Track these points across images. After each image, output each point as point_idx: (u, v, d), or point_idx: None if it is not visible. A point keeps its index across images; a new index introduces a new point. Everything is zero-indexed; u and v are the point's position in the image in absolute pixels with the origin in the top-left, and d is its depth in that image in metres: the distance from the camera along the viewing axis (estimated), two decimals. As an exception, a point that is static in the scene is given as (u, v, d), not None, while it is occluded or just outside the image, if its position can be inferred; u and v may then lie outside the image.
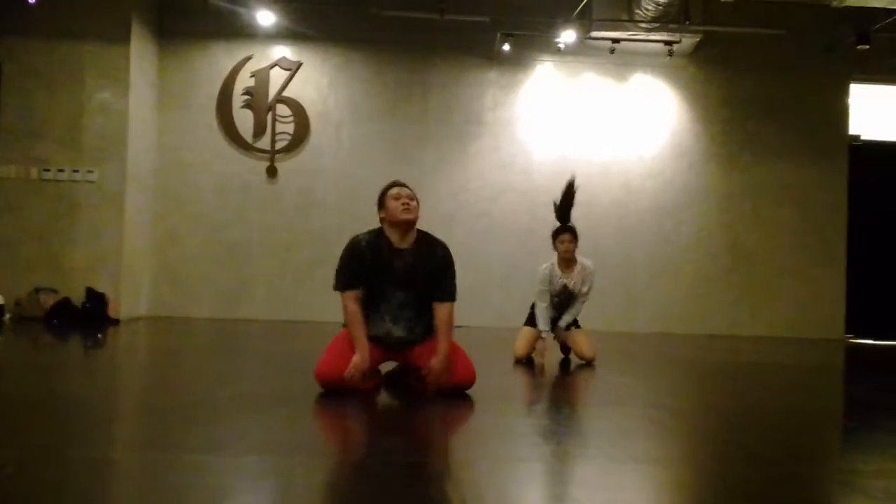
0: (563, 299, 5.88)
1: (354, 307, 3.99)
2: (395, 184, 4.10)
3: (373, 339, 4.02)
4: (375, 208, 4.15)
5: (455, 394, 3.97)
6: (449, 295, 4.09)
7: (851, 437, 3.70)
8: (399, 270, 4.01)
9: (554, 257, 5.89)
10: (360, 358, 3.91)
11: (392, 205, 4.00)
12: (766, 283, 9.61)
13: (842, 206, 9.68)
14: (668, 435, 3.44)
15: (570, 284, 5.85)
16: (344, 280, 4.04)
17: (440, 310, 4.06)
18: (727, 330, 9.50)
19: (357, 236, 4.10)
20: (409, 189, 4.08)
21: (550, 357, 5.96)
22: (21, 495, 2.16)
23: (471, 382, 4.04)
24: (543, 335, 5.80)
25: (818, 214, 9.67)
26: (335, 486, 2.46)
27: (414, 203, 4.01)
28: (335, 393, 3.87)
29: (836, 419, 4.27)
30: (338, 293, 4.05)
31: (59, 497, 2.17)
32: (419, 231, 4.11)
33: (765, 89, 9.64)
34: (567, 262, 5.85)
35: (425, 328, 4.10)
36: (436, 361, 3.95)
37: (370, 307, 4.05)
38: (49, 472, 2.39)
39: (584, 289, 5.92)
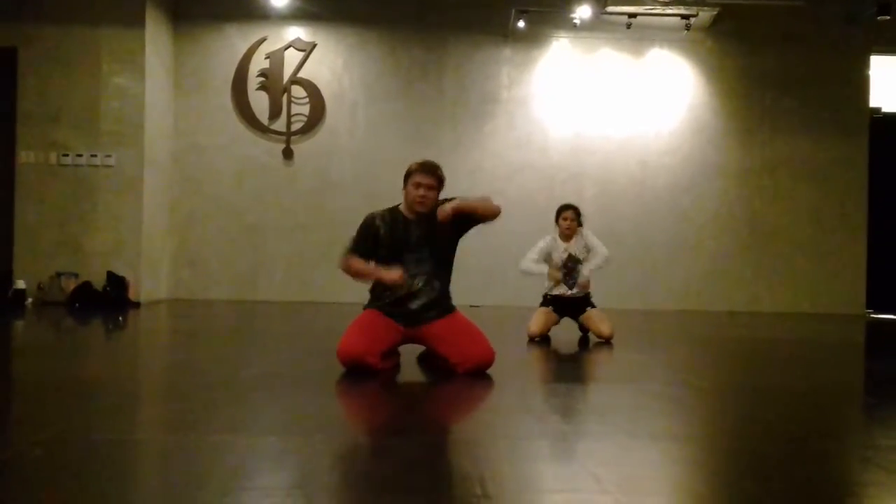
0: (571, 266, 5.97)
1: (352, 258, 4.11)
2: (422, 169, 4.10)
3: (391, 309, 4.06)
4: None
5: (475, 374, 3.98)
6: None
7: (872, 412, 3.68)
8: (414, 239, 4.10)
9: (556, 232, 6.07)
10: (379, 272, 4.00)
11: (411, 191, 4.09)
12: (785, 259, 9.54)
13: (862, 181, 9.57)
14: (687, 412, 3.43)
15: (574, 252, 5.99)
16: (355, 249, 4.14)
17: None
18: (746, 306, 9.45)
19: (372, 213, 4.21)
20: (433, 177, 4.08)
21: (569, 335, 5.98)
22: (47, 477, 2.19)
23: (490, 362, 4.06)
24: (545, 270, 5.91)
25: (838, 189, 9.57)
26: (355, 466, 2.48)
27: (431, 194, 4.07)
28: (354, 373, 3.89)
29: (856, 395, 4.25)
30: (342, 260, 4.15)
31: (85, 478, 2.21)
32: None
33: (784, 62, 9.52)
34: (568, 237, 6.02)
35: (442, 293, 4.13)
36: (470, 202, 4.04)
37: None
38: (74, 454, 2.42)
39: (599, 248, 5.99)
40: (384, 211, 4.20)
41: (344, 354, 3.92)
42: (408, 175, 4.12)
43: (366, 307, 4.16)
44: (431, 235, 4.11)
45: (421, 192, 4.06)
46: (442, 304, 4.15)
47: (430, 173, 4.09)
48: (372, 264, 4.07)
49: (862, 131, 9.58)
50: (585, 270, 5.97)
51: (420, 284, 4.08)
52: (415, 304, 4.08)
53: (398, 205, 4.20)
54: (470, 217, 4.10)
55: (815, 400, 3.87)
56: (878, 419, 3.50)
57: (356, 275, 4.15)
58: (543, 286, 6.04)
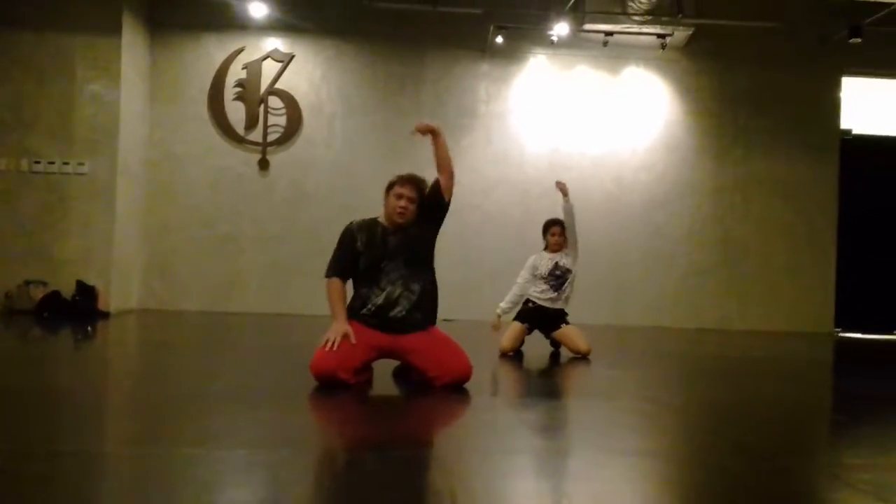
0: (560, 275, 6.02)
1: (339, 286, 4.11)
2: (403, 180, 4.13)
3: (369, 316, 4.05)
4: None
5: (452, 387, 3.97)
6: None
7: (840, 430, 3.72)
8: (393, 247, 4.11)
9: (542, 247, 6.17)
10: (339, 326, 3.99)
11: (391, 202, 4.12)
12: (756, 277, 9.64)
13: (832, 200, 9.72)
14: (658, 428, 3.45)
15: (561, 262, 6.06)
16: (337, 267, 4.16)
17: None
18: (717, 324, 9.53)
19: (351, 222, 4.23)
20: (415, 189, 4.11)
21: (541, 350, 6.01)
22: (12, 490, 2.16)
23: (467, 376, 4.06)
24: (498, 311, 6.04)
25: (809, 208, 9.70)
26: (326, 480, 2.46)
27: (412, 206, 4.10)
28: (327, 387, 3.87)
29: (825, 413, 4.29)
30: (326, 280, 4.15)
31: (50, 491, 2.17)
32: None
33: (757, 82, 9.66)
34: (555, 251, 6.11)
35: (423, 295, 4.12)
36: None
37: (368, 284, 4.10)
38: (40, 466, 2.38)
39: (573, 262, 6.12)
40: (362, 221, 4.21)
41: (316, 369, 3.90)
42: (390, 186, 4.15)
43: (349, 318, 4.12)
44: (407, 244, 4.12)
45: (402, 203, 4.08)
46: (424, 307, 4.14)
47: (412, 185, 4.12)
48: (340, 321, 4.01)
49: (833, 152, 9.73)
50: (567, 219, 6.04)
51: (399, 290, 4.07)
52: (396, 312, 4.06)
53: (377, 217, 4.23)
54: (435, 191, 4.17)
55: (784, 417, 3.91)
56: (846, 437, 3.54)
57: (330, 307, 4.11)
58: (529, 291, 6.08)
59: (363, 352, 4.01)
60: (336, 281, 4.13)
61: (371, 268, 4.09)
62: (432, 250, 4.26)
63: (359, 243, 4.12)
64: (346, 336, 3.94)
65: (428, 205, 4.18)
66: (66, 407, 3.42)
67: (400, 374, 4.36)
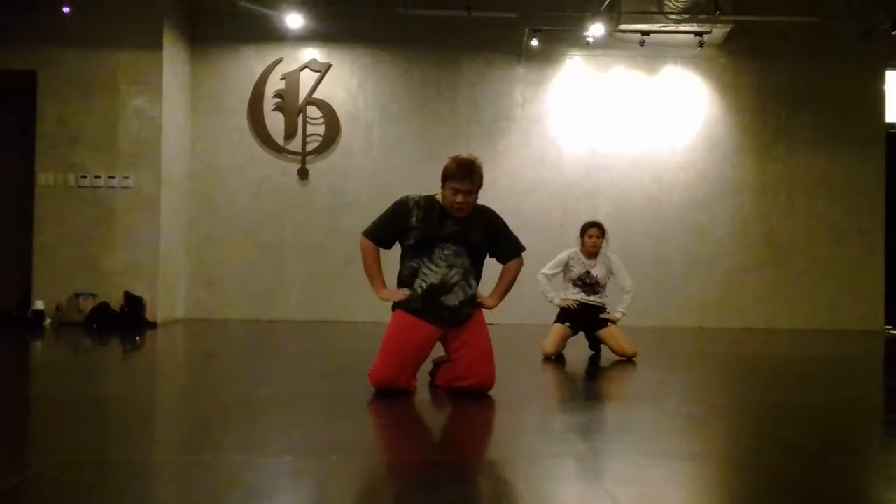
0: (588, 283, 5.97)
1: (375, 249, 4.09)
2: (460, 175, 3.95)
3: (425, 310, 3.95)
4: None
5: (473, 393, 3.94)
6: (514, 251, 4.18)
7: (892, 429, 3.64)
8: (450, 232, 4.00)
9: (578, 247, 6.09)
10: (385, 291, 4.03)
11: (448, 196, 3.98)
12: (802, 275, 9.47)
13: (879, 196, 9.51)
14: (704, 430, 3.41)
15: (594, 272, 5.98)
16: (377, 233, 4.10)
17: (509, 266, 4.21)
18: (764, 323, 9.38)
19: (407, 196, 4.10)
20: (470, 183, 3.97)
21: (585, 353, 5.97)
22: (64, 499, 2.21)
23: (489, 388, 4.00)
24: (556, 301, 5.96)
25: (855, 204, 9.50)
26: (372, 486, 2.48)
27: (470, 199, 3.97)
28: (371, 392, 3.88)
29: (876, 411, 4.20)
30: (362, 238, 4.12)
31: (101, 499, 2.22)
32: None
33: (798, 78, 9.50)
34: (592, 254, 6.02)
35: (475, 295, 4.06)
36: (490, 296, 4.14)
37: (420, 257, 4.00)
38: (91, 474, 2.44)
39: (625, 283, 6.06)
40: (420, 197, 4.07)
41: (377, 379, 3.90)
42: (445, 177, 3.99)
43: (395, 307, 4.05)
44: (466, 235, 4.01)
45: (459, 198, 3.94)
46: (474, 305, 4.08)
47: (468, 179, 3.95)
48: (382, 287, 4.04)
49: (878, 146, 9.53)
50: (617, 314, 5.99)
51: (457, 278, 3.97)
52: (451, 300, 3.96)
53: (436, 195, 4.09)
54: (498, 237, 4.13)
55: (835, 417, 3.83)
56: (898, 437, 3.47)
57: (366, 269, 4.09)
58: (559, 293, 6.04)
59: (422, 351, 3.98)
60: (371, 244, 4.08)
61: (422, 247, 3.98)
62: (484, 260, 4.18)
63: (414, 219, 3.99)
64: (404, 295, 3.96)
65: (489, 241, 4.11)
66: (115, 416, 3.49)
67: (433, 381, 4.32)
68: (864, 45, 9.18)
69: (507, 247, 4.18)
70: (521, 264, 4.22)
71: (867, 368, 6.24)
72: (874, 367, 6.45)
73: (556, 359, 5.77)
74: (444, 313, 3.98)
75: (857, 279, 9.45)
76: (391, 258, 4.19)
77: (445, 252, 3.98)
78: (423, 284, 3.97)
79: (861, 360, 6.73)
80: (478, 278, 4.12)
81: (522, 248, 4.22)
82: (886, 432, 3.62)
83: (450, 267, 3.97)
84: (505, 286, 4.20)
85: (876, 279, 9.46)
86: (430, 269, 3.97)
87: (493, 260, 4.24)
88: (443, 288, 3.96)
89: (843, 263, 9.45)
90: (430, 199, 4.06)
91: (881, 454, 3.16)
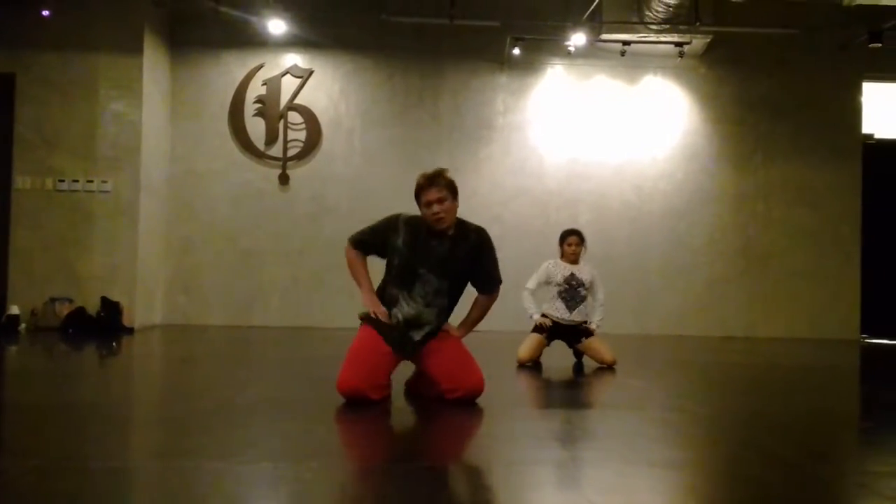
0: (572, 287, 5.95)
1: (360, 256, 4.08)
2: (428, 184, 3.90)
3: (391, 335, 3.93)
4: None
5: (465, 401, 3.93)
6: (491, 285, 4.14)
7: (868, 438, 3.68)
8: (436, 253, 3.94)
9: (557, 256, 6.10)
10: (372, 299, 3.98)
11: (424, 212, 3.93)
12: (780, 285, 9.56)
13: (856, 206, 9.62)
14: (685, 438, 3.43)
15: (578, 273, 5.98)
16: (362, 243, 4.09)
17: (483, 298, 4.18)
18: (742, 332, 9.45)
19: (401, 214, 4.07)
20: (443, 188, 3.90)
21: (562, 360, 5.98)
22: (40, 504, 2.18)
23: (479, 392, 3.97)
24: (535, 317, 5.93)
25: (832, 214, 9.61)
26: (350, 492, 2.46)
27: (446, 206, 3.89)
28: (349, 401, 3.86)
29: (852, 420, 4.24)
30: (347, 245, 4.11)
31: (78, 505, 2.19)
32: (458, 220, 4.04)
33: (777, 89, 9.60)
34: (572, 262, 6.05)
35: (441, 318, 4.04)
36: (459, 327, 4.12)
37: (400, 286, 3.96)
38: (68, 481, 2.41)
39: (600, 295, 6.07)
40: (410, 217, 4.01)
41: (345, 388, 3.85)
42: (417, 193, 3.93)
43: (363, 319, 4.02)
44: (454, 256, 3.96)
45: (434, 209, 3.86)
46: (441, 322, 4.04)
47: (438, 185, 3.89)
48: (370, 294, 4.00)
49: (855, 157, 9.65)
50: (593, 326, 6.00)
51: (430, 317, 3.95)
52: (417, 335, 3.95)
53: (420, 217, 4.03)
54: (481, 264, 4.08)
55: (812, 425, 3.87)
56: (873, 444, 3.50)
57: (353, 276, 4.08)
58: (541, 307, 6.02)
59: (388, 363, 3.95)
60: (357, 251, 4.07)
61: (407, 269, 3.94)
62: (468, 280, 4.12)
63: (400, 239, 3.95)
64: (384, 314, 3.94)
65: (473, 264, 4.05)
66: (91, 421, 3.45)
67: (411, 391, 4.29)
68: (842, 57, 9.31)
69: (485, 280, 4.14)
70: (494, 299, 4.19)
71: (843, 377, 6.30)
72: (850, 375, 6.51)
73: (532, 366, 5.78)
74: (408, 346, 3.97)
75: (834, 288, 9.55)
76: (377, 265, 4.16)
77: (426, 289, 3.95)
78: (399, 316, 3.95)
79: (837, 368, 6.79)
80: (451, 309, 4.07)
81: (499, 282, 4.18)
82: (862, 440, 3.65)
83: (427, 305, 3.95)
84: (475, 318, 4.20)
85: (852, 288, 9.56)
86: (408, 304, 3.95)
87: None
88: (416, 322, 3.96)
89: (820, 273, 9.55)
90: (418, 219, 4.00)
91: (856, 462, 3.18)
